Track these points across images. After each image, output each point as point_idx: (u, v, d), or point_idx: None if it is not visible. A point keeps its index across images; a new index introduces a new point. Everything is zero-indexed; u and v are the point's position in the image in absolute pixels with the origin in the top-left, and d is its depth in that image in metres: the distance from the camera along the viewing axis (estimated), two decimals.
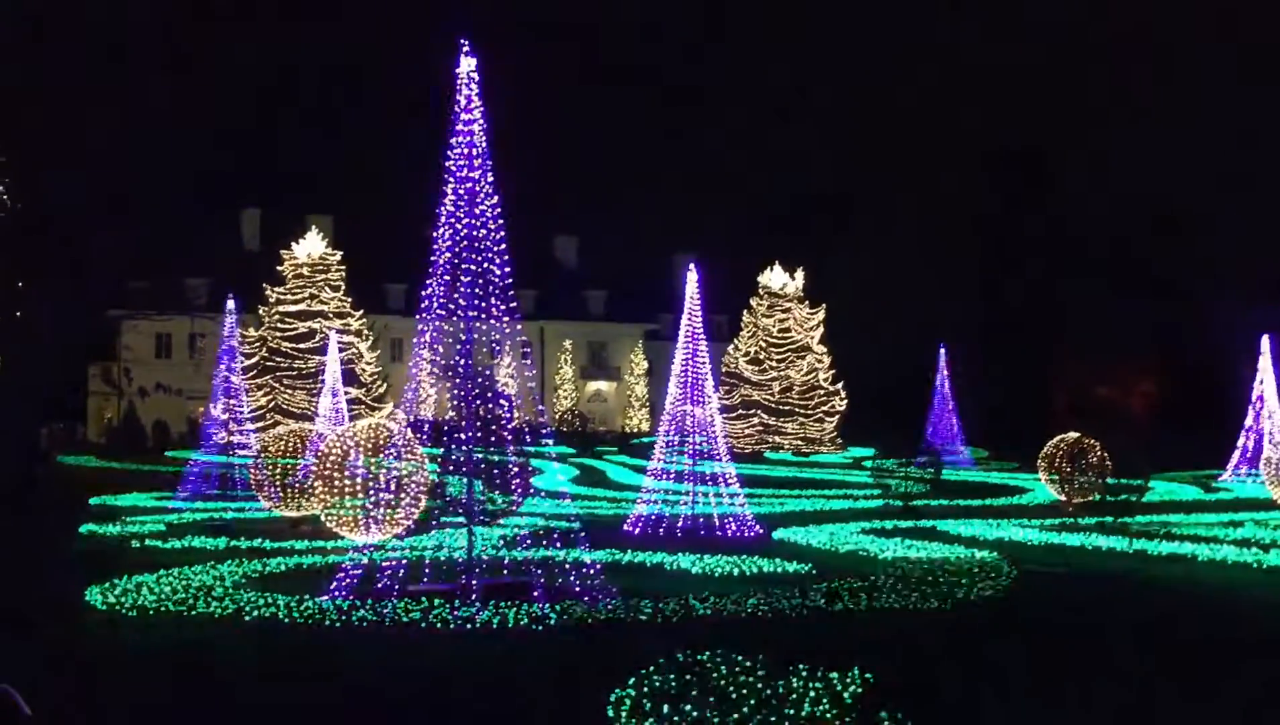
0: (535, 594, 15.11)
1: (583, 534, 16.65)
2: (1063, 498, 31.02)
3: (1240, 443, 44.65)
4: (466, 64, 16.10)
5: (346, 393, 46.99)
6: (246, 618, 13.94)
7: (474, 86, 16.07)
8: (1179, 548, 21.40)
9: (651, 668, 9.84)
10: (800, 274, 66.20)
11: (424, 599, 14.53)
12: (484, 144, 16.04)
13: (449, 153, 16.02)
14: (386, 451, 17.67)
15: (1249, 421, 44.77)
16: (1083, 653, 12.89)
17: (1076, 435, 31.60)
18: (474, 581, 15.39)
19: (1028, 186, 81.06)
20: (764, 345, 65.26)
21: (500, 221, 16.04)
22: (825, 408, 64.84)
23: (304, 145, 76.50)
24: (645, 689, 9.15)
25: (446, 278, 15.91)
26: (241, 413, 33.78)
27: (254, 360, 57.14)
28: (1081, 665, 12.26)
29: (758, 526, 25.70)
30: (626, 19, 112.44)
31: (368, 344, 61.03)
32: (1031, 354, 76.08)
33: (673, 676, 9.80)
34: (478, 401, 15.83)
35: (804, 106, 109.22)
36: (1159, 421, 68.43)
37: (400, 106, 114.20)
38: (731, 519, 25.85)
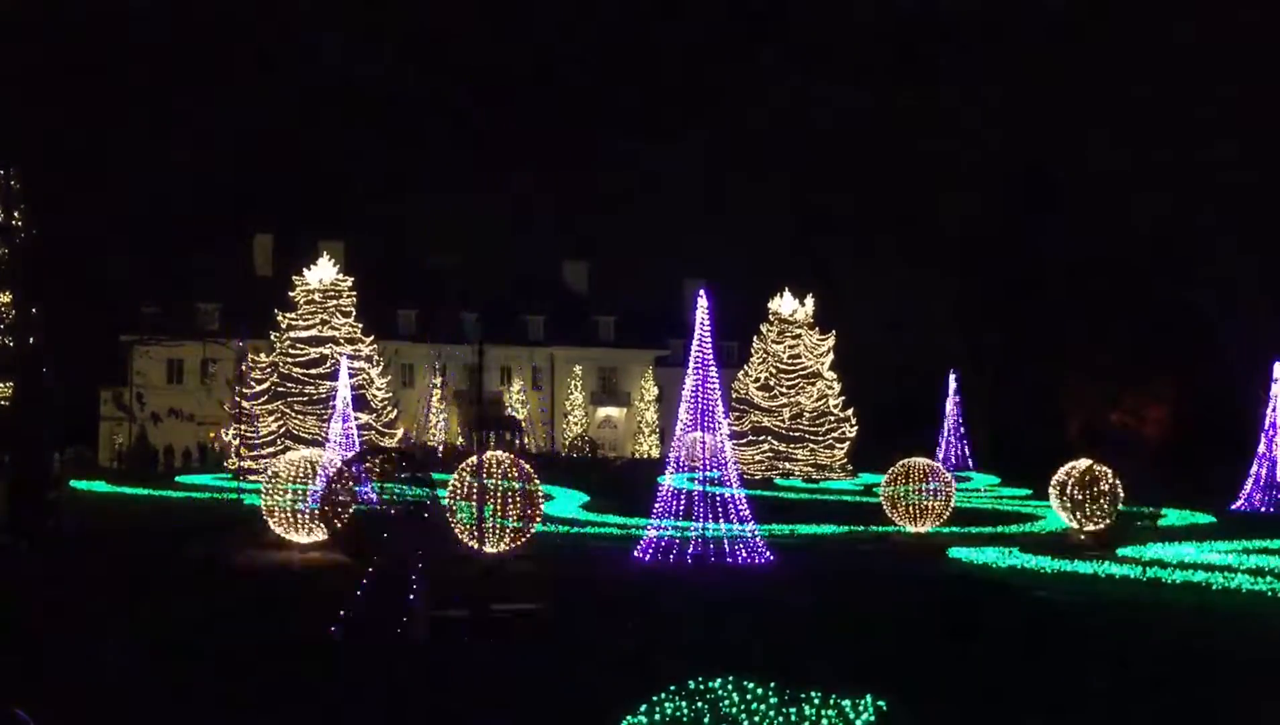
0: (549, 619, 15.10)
1: (596, 559, 16.62)
2: (1075, 525, 30.87)
3: (1254, 470, 44.38)
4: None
5: (357, 418, 47.02)
6: None
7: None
8: (1193, 576, 21.27)
9: (664, 694, 9.81)
10: (810, 300, 66.21)
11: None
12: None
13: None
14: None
15: (1261, 448, 44.53)
16: (1096, 680, 12.79)
17: (1089, 462, 31.46)
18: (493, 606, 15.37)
19: (1040, 210, 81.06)
20: (774, 371, 65.18)
21: (512, 250, 16.09)
22: (835, 434, 64.67)
23: (316, 171, 77.25)
24: (657, 716, 9.12)
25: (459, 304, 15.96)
26: (254, 438, 33.83)
27: (265, 386, 57.29)
28: (1097, 692, 12.17)
29: (769, 552, 25.60)
30: (635, 43, 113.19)
31: (378, 369, 61.12)
32: (1043, 380, 75.83)
33: (685, 703, 9.76)
34: (488, 427, 15.86)
35: (811, 131, 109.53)
36: (1172, 448, 68.08)
37: (413, 132, 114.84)
38: (742, 545, 25.75)
